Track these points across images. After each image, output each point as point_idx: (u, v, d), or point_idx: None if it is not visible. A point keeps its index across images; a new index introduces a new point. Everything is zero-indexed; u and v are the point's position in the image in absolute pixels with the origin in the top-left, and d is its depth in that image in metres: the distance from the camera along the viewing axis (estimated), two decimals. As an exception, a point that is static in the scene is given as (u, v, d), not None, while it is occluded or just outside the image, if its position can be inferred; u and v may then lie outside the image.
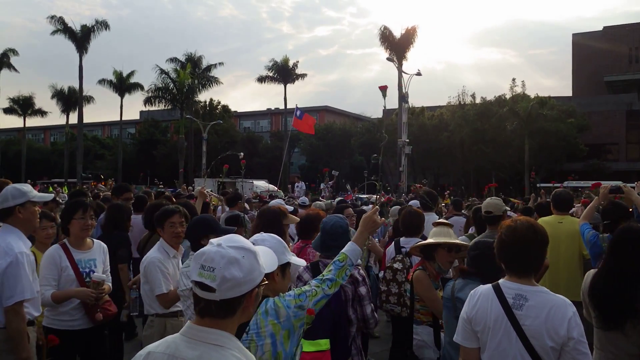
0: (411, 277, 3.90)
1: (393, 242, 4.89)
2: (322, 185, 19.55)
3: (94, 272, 3.73)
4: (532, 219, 2.52)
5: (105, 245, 4.00)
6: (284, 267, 2.36)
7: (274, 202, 6.74)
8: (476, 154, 38.35)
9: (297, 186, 22.58)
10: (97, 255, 3.84)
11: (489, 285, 2.45)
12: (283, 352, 2.17)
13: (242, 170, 7.98)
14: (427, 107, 45.70)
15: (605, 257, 3.02)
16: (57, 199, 8.14)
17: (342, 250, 2.54)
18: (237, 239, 1.63)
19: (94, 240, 3.96)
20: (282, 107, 45.65)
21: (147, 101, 40.96)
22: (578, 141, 37.35)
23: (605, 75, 46.65)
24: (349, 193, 16.02)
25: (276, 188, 25.41)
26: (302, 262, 2.50)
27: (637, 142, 41.59)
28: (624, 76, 46.55)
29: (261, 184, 28.44)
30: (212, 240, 1.62)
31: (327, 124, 49.90)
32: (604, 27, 49.79)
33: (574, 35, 52.15)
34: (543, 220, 5.93)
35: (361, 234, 2.69)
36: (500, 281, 2.43)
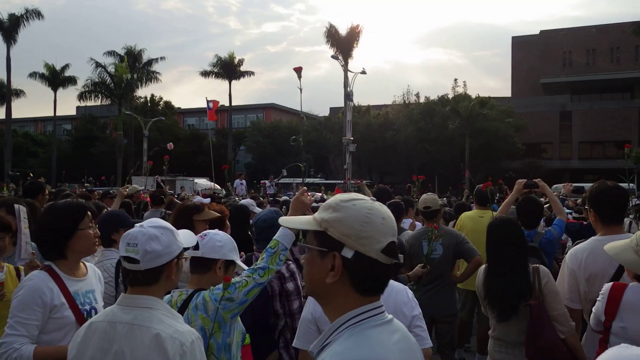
0: None
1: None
2: (267, 183, 19.63)
3: (95, 309, 2.54)
4: None
5: (97, 269, 2.83)
6: (228, 264, 2.48)
7: (244, 202, 6.62)
8: (420, 152, 39.13)
9: (240, 184, 22.01)
10: (94, 285, 2.67)
11: None
12: (215, 344, 2.29)
13: (166, 165, 7.27)
14: (373, 105, 46.20)
15: (488, 254, 3.22)
16: None
17: (274, 237, 2.59)
18: (157, 221, 1.92)
19: (86, 263, 2.72)
20: (227, 104, 44.75)
21: (82, 96, 39.02)
22: (516, 140, 38.81)
23: (541, 77, 48.82)
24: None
25: (219, 187, 24.81)
26: (246, 268, 2.59)
27: (569, 141, 43.74)
28: (557, 78, 48.83)
29: (202, 182, 27.69)
30: (137, 223, 1.91)
31: (273, 122, 49.34)
32: (541, 31, 51.95)
33: (513, 37, 54.27)
34: (466, 215, 6.13)
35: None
36: None
